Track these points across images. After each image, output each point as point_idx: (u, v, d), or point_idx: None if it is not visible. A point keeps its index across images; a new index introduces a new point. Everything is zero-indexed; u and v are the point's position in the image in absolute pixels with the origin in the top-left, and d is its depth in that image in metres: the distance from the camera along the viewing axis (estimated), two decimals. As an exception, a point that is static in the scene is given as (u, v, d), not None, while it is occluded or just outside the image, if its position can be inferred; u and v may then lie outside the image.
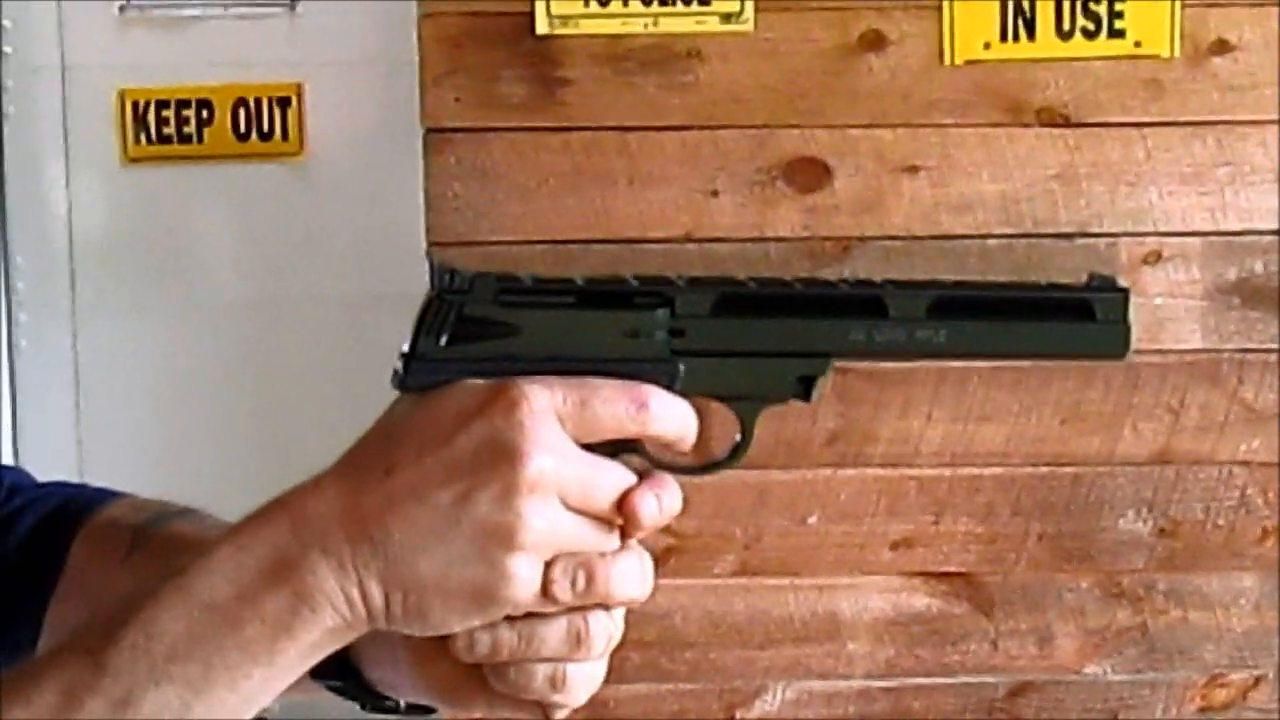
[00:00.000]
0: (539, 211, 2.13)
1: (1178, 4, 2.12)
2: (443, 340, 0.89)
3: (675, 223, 2.14)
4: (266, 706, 0.89)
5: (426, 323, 0.89)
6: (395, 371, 0.90)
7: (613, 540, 0.89)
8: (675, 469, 0.91)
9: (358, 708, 1.00)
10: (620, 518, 0.88)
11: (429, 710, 1.00)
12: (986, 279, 0.95)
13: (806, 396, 0.92)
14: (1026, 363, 2.13)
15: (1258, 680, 2.20)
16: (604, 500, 0.87)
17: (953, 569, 2.18)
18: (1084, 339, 0.93)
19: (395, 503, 0.85)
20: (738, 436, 0.92)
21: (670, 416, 0.89)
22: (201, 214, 2.60)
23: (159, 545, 1.06)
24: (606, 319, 0.90)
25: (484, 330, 0.89)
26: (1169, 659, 2.19)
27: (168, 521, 1.09)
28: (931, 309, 0.92)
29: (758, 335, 0.91)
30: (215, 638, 0.85)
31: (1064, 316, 0.93)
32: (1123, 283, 0.93)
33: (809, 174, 2.14)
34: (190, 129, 2.56)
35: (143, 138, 2.57)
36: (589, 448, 0.87)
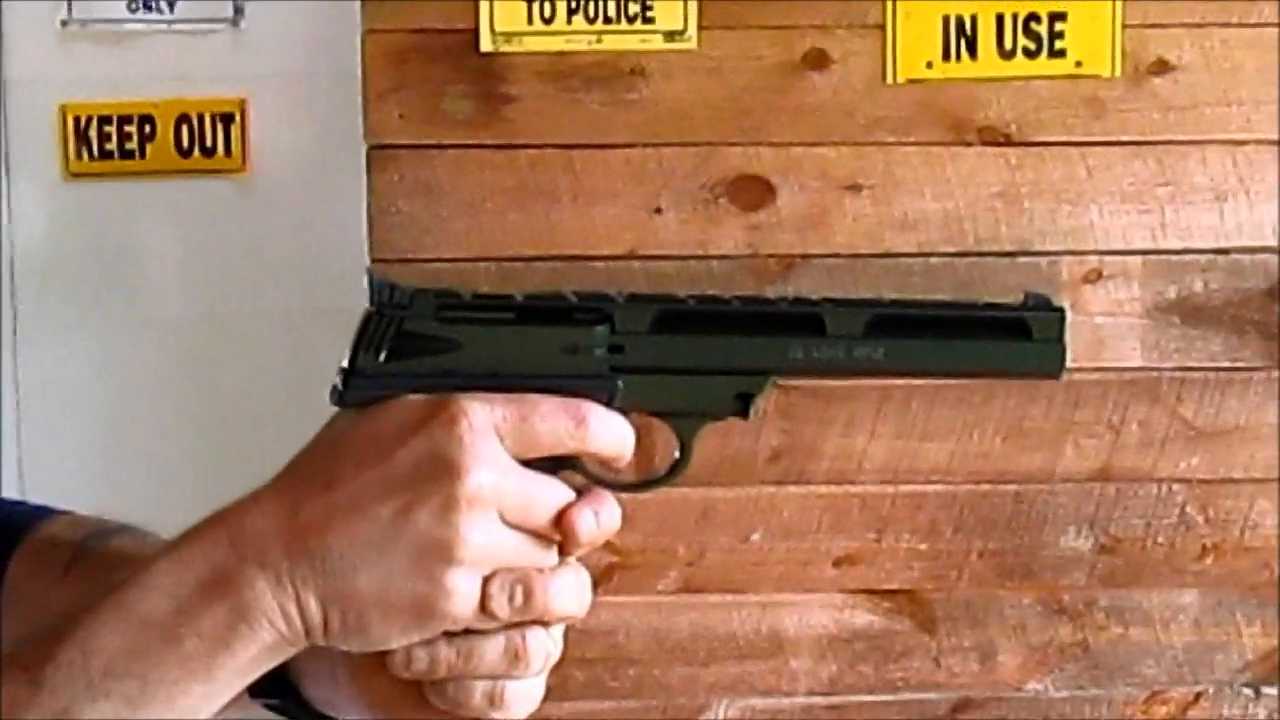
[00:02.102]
0: (483, 228, 2.13)
1: (1118, 24, 2.13)
2: (382, 356, 0.89)
3: (619, 240, 2.14)
4: (201, 725, 0.89)
5: (365, 338, 0.89)
6: (334, 387, 0.89)
7: (551, 556, 0.89)
8: (614, 486, 0.91)
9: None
10: (559, 534, 0.88)
11: (368, 728, 1.00)
12: (924, 298, 0.95)
13: (745, 414, 0.92)
14: (968, 380, 2.13)
15: (1197, 696, 2.21)
16: (542, 516, 0.88)
17: (895, 586, 2.19)
18: (1020, 357, 0.94)
19: (334, 518, 0.85)
20: (676, 453, 0.92)
21: (609, 433, 0.89)
22: (144, 230, 2.58)
23: (97, 562, 1.05)
24: (546, 335, 0.90)
25: (423, 346, 0.89)
26: (1110, 675, 2.20)
27: (106, 538, 1.08)
28: (870, 327, 0.92)
29: (697, 352, 0.91)
30: (153, 654, 0.85)
31: (1001, 335, 0.93)
32: (1059, 302, 0.94)
33: (752, 191, 2.14)
34: (133, 144, 2.55)
35: (85, 153, 2.55)
36: (528, 464, 0.88)
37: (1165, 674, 2.20)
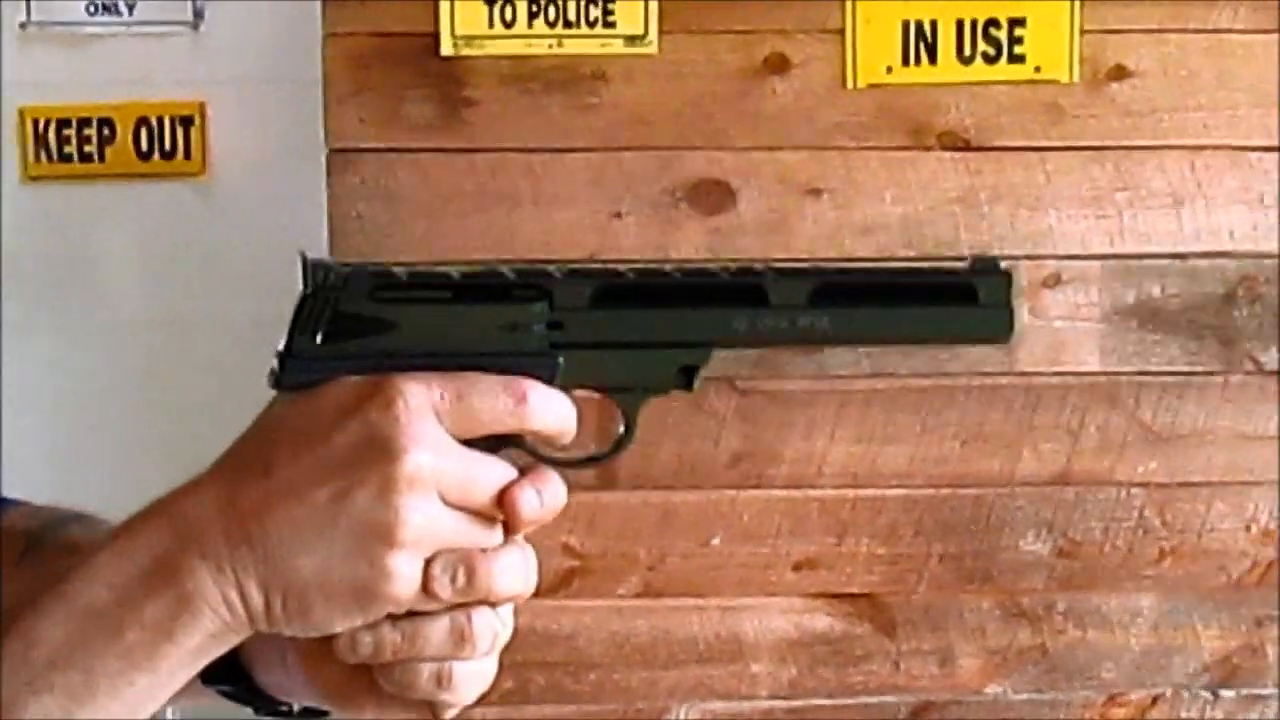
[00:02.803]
0: (444, 232, 2.13)
1: (1077, 30, 2.14)
2: (318, 338, 0.89)
3: (580, 244, 2.14)
4: (156, 714, 0.88)
5: (301, 320, 0.89)
6: (271, 370, 0.89)
7: (494, 536, 0.88)
8: (558, 463, 0.90)
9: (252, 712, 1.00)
10: (501, 513, 0.88)
11: (322, 713, 1.00)
12: (869, 265, 0.94)
13: (689, 387, 0.91)
14: (928, 384, 2.14)
15: (1155, 699, 2.21)
16: (483, 495, 0.87)
17: (855, 590, 2.19)
18: (967, 322, 0.93)
19: (273, 503, 0.85)
20: (620, 429, 0.92)
21: (550, 411, 0.89)
22: (103, 233, 2.57)
23: (49, 552, 1.05)
24: (484, 313, 0.89)
25: (360, 326, 0.89)
26: (1068, 678, 2.21)
27: (60, 528, 1.08)
28: (813, 296, 0.91)
29: (638, 326, 0.90)
30: (96, 644, 0.85)
31: (947, 300, 0.92)
32: (1005, 265, 0.93)
33: (713, 196, 2.14)
34: (92, 147, 2.54)
35: (44, 156, 2.55)
36: (470, 443, 0.87)
37: (1123, 677, 2.21)
